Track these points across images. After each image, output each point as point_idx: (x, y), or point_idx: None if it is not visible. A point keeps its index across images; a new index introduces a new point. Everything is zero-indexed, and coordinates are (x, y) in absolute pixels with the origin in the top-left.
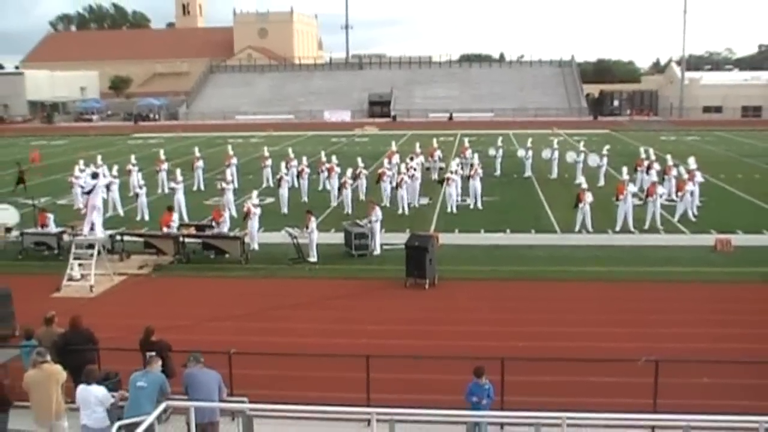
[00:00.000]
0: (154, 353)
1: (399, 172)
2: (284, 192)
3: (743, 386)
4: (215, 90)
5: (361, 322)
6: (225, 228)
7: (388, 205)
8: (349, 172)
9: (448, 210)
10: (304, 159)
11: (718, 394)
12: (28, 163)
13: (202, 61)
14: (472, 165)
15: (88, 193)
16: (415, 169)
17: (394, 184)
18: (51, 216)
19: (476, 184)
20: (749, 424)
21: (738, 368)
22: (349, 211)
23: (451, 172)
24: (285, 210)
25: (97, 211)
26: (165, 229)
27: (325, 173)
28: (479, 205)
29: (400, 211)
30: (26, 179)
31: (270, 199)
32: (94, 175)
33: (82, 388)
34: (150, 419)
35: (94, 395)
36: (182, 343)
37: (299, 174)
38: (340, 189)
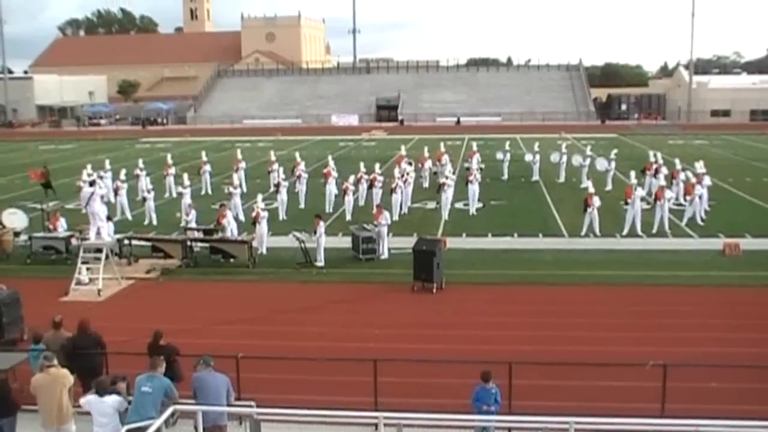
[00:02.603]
0: (160, 356)
1: (395, 176)
2: (283, 197)
3: (752, 391)
4: (223, 94)
5: (369, 325)
6: (232, 232)
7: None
8: (352, 178)
9: (443, 216)
10: (302, 164)
11: (727, 399)
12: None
13: (210, 66)
14: (468, 169)
15: (87, 202)
16: (408, 174)
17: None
18: (63, 220)
19: (474, 188)
20: (758, 429)
21: (747, 372)
22: (349, 217)
23: (446, 178)
24: (283, 215)
25: (99, 218)
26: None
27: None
28: (473, 210)
29: (395, 217)
30: (51, 181)
31: (275, 204)
32: (91, 183)
33: (96, 400)
34: (157, 424)
35: (109, 406)
36: (190, 347)
37: (298, 178)
38: (342, 194)
